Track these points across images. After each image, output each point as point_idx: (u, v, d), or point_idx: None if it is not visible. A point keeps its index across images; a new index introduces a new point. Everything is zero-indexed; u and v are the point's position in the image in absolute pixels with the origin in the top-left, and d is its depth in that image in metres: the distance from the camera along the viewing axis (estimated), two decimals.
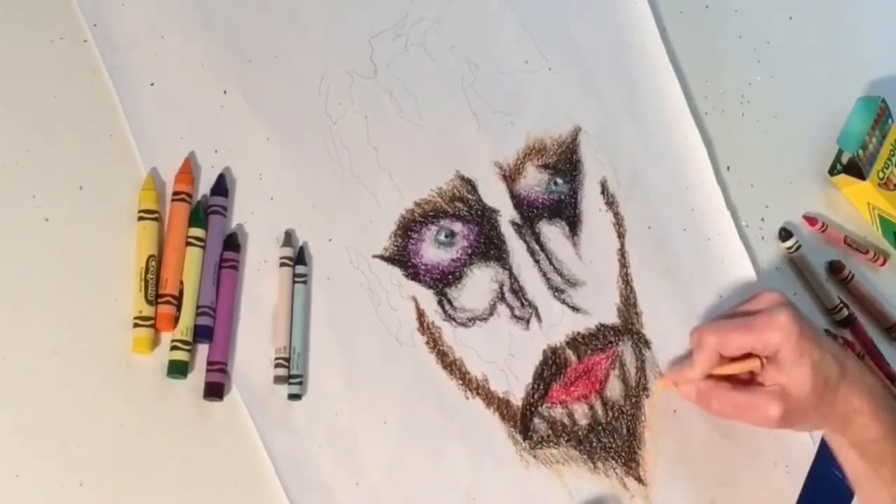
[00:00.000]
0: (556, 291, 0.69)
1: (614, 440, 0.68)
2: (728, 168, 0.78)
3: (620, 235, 0.73)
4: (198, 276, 0.62)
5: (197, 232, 0.62)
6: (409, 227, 0.67)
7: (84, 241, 0.61)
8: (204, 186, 0.64)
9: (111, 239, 0.61)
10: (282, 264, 0.64)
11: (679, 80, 0.77)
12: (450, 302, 0.67)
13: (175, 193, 0.63)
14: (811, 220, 0.78)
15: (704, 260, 0.74)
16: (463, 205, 0.69)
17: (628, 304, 0.71)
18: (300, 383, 0.62)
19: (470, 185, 0.69)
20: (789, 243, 0.76)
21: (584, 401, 0.68)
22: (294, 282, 0.64)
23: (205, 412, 0.61)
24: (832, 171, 0.80)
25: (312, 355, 0.63)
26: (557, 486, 0.66)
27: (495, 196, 0.70)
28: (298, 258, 0.64)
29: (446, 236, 0.68)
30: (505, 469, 0.65)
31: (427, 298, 0.67)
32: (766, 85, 0.81)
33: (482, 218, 0.69)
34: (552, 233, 0.71)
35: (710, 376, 0.65)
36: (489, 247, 0.69)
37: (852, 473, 0.66)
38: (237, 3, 0.68)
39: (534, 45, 0.74)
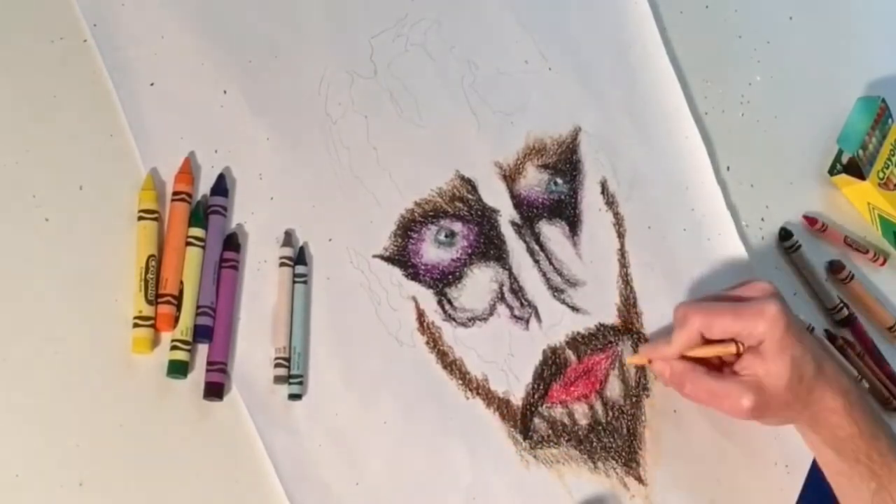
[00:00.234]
0: (556, 291, 0.69)
1: (614, 440, 0.68)
2: (728, 168, 0.78)
3: (620, 235, 0.72)
4: (198, 276, 0.62)
5: (197, 232, 0.62)
6: (409, 227, 0.67)
7: (84, 241, 0.61)
8: (204, 186, 0.64)
9: (111, 239, 0.61)
10: (282, 264, 0.64)
11: (679, 80, 0.77)
12: (450, 302, 0.67)
13: (175, 193, 0.63)
14: (811, 219, 0.78)
15: (704, 260, 0.74)
16: (463, 205, 0.69)
17: (628, 304, 0.71)
18: (300, 383, 0.62)
19: (470, 184, 0.69)
20: (789, 243, 0.76)
21: (584, 401, 0.68)
22: (294, 282, 0.64)
23: (205, 412, 0.61)
24: (832, 171, 0.80)
25: (312, 355, 0.63)
26: (557, 485, 0.66)
27: (495, 196, 0.70)
28: (298, 258, 0.64)
29: (446, 236, 0.68)
30: (505, 469, 0.65)
31: (427, 298, 0.67)
32: (766, 85, 0.81)
33: (482, 218, 0.69)
34: (552, 233, 0.71)
35: (683, 357, 0.65)
36: (489, 247, 0.69)
37: (830, 472, 0.66)
38: (237, 3, 0.68)
39: (534, 46, 0.74)
